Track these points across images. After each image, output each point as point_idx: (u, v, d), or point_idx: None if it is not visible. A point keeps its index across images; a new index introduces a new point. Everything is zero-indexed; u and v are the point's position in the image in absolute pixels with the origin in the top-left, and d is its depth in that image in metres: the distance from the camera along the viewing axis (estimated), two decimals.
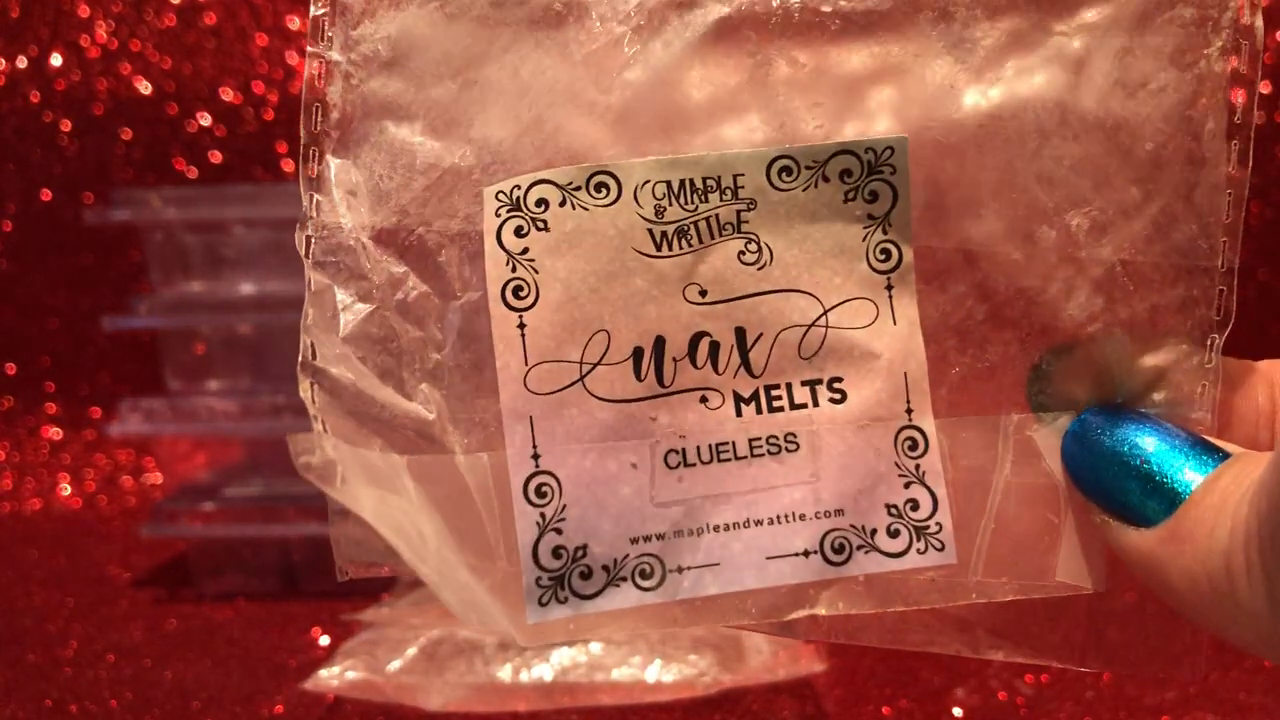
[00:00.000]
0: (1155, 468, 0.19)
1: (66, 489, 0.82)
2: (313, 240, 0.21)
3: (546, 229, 0.20)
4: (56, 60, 0.82)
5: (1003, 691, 0.46)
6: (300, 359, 0.21)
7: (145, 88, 0.82)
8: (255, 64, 0.82)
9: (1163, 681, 0.46)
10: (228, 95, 0.82)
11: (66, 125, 0.83)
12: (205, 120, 0.82)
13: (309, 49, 0.21)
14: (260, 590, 0.60)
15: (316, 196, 0.21)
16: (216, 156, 0.82)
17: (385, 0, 0.21)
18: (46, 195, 0.83)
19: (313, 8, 0.21)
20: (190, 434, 0.62)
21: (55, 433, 0.85)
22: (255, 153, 0.82)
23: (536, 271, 0.20)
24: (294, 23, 0.81)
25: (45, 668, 0.51)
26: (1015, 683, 0.46)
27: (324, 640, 0.53)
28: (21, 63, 0.82)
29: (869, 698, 0.46)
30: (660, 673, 0.44)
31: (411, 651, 0.46)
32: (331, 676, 0.45)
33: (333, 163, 0.21)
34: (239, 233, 0.61)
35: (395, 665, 0.45)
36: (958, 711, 0.45)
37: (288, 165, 0.82)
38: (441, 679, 0.45)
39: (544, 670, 0.45)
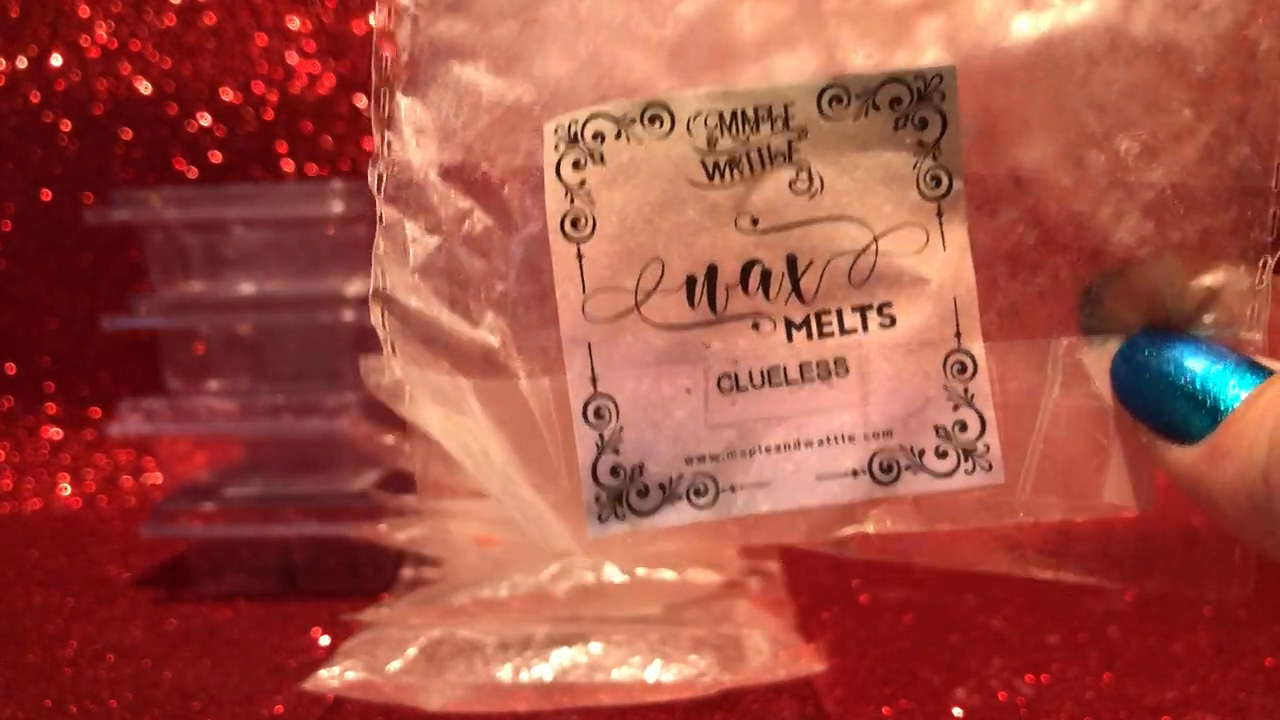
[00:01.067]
0: (1200, 385, 0.19)
1: (66, 489, 0.82)
2: (384, 176, 0.22)
3: (603, 162, 0.21)
4: (56, 60, 0.82)
5: (1003, 691, 0.46)
6: (371, 288, 0.22)
7: (145, 88, 0.82)
8: (255, 64, 0.82)
9: (1163, 681, 0.46)
10: (228, 95, 0.82)
11: (66, 125, 0.83)
12: (205, 120, 0.82)
13: None
14: (260, 590, 0.60)
15: (387, 134, 0.22)
16: (216, 156, 0.82)
17: None
18: (46, 195, 0.83)
19: None
20: (190, 434, 0.62)
21: (55, 433, 0.85)
22: (255, 153, 0.82)
23: (593, 203, 0.21)
24: (294, 23, 0.82)
25: (45, 668, 0.51)
26: (1015, 683, 0.47)
27: (324, 640, 0.54)
28: (21, 63, 0.82)
29: (869, 698, 0.46)
30: (660, 673, 0.44)
31: (411, 651, 0.46)
32: (331, 676, 0.45)
33: (403, 101, 0.22)
34: (239, 233, 0.62)
35: (395, 665, 0.45)
36: (958, 711, 0.45)
37: (288, 165, 0.82)
38: (441, 679, 0.45)
39: (544, 670, 0.45)
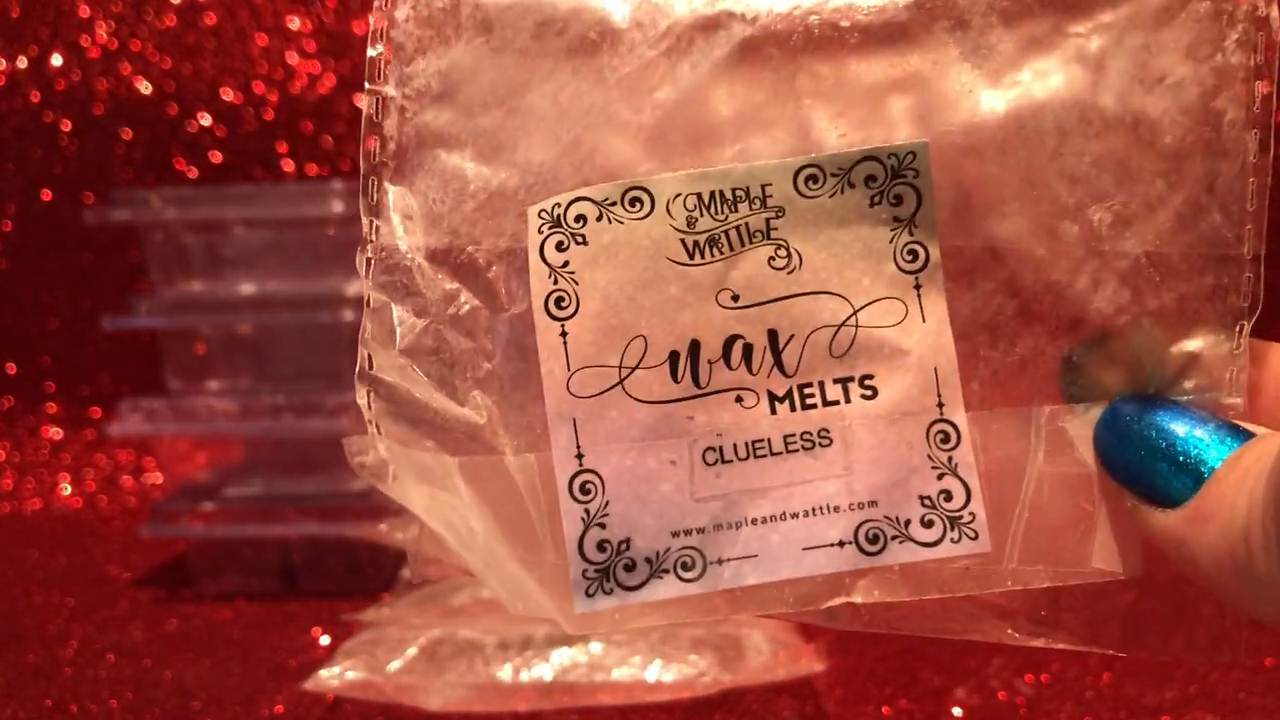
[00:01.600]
0: (1182, 448, 0.20)
1: (66, 489, 0.82)
2: (372, 262, 0.23)
3: (585, 243, 0.21)
4: (56, 60, 0.82)
5: (1003, 691, 0.46)
6: (357, 369, 0.23)
7: (145, 88, 0.82)
8: (255, 64, 0.82)
9: (1163, 681, 0.46)
10: (228, 95, 0.82)
11: (66, 125, 0.83)
12: (205, 120, 0.82)
13: (367, 86, 0.22)
14: (260, 590, 0.60)
15: (376, 221, 0.23)
16: (216, 156, 0.82)
17: (436, 38, 0.22)
18: (46, 195, 0.83)
19: (369, 49, 0.22)
20: (190, 434, 0.62)
21: (55, 433, 0.85)
22: (255, 153, 0.82)
23: (577, 283, 0.21)
24: (294, 23, 0.82)
25: (45, 668, 0.51)
26: (1015, 683, 0.47)
27: (324, 640, 0.54)
28: (21, 63, 0.82)
29: (869, 698, 0.46)
30: (660, 673, 0.44)
31: (411, 651, 0.46)
32: (331, 676, 0.45)
33: (390, 190, 0.23)
34: (239, 233, 0.62)
35: (395, 665, 0.46)
36: (958, 711, 0.45)
37: (288, 165, 0.82)
38: (441, 679, 0.45)
39: (544, 670, 0.45)
